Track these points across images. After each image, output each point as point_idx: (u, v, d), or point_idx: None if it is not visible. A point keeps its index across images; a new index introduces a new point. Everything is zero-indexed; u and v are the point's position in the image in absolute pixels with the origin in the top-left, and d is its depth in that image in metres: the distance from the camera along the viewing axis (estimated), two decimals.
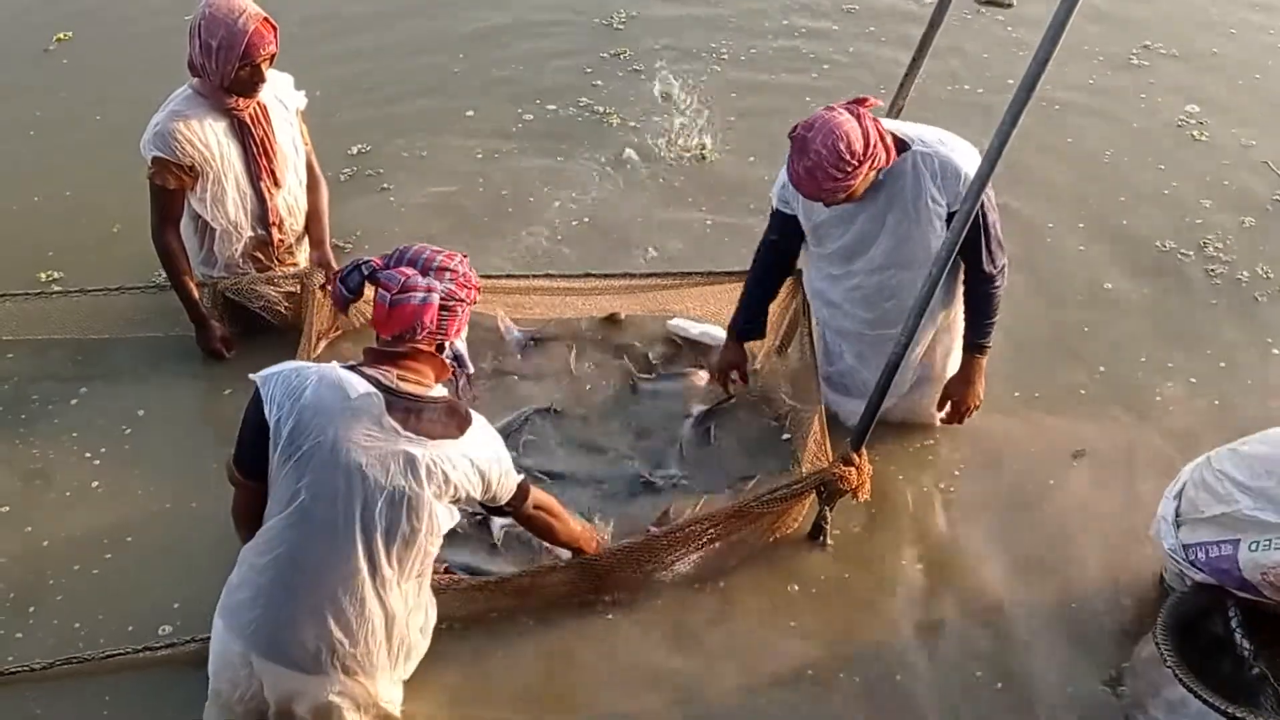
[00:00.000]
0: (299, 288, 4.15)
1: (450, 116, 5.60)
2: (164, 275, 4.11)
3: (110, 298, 4.28)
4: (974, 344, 3.64)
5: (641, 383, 4.09)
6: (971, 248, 3.38)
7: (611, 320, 4.33)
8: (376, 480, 2.61)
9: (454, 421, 2.71)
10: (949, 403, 3.75)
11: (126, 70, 5.72)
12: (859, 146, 3.17)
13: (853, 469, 3.39)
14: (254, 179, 4.00)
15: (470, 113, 5.63)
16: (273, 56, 3.80)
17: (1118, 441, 3.96)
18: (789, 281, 3.93)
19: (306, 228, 4.28)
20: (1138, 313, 4.51)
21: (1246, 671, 3.06)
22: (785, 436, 3.92)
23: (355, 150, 5.30)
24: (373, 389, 2.64)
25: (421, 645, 2.92)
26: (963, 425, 3.83)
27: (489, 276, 4.06)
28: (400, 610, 2.76)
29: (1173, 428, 4.01)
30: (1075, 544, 3.64)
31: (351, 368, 2.71)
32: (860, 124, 3.20)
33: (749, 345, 3.96)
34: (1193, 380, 4.20)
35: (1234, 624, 3.11)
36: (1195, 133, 5.50)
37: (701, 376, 4.07)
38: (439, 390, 2.77)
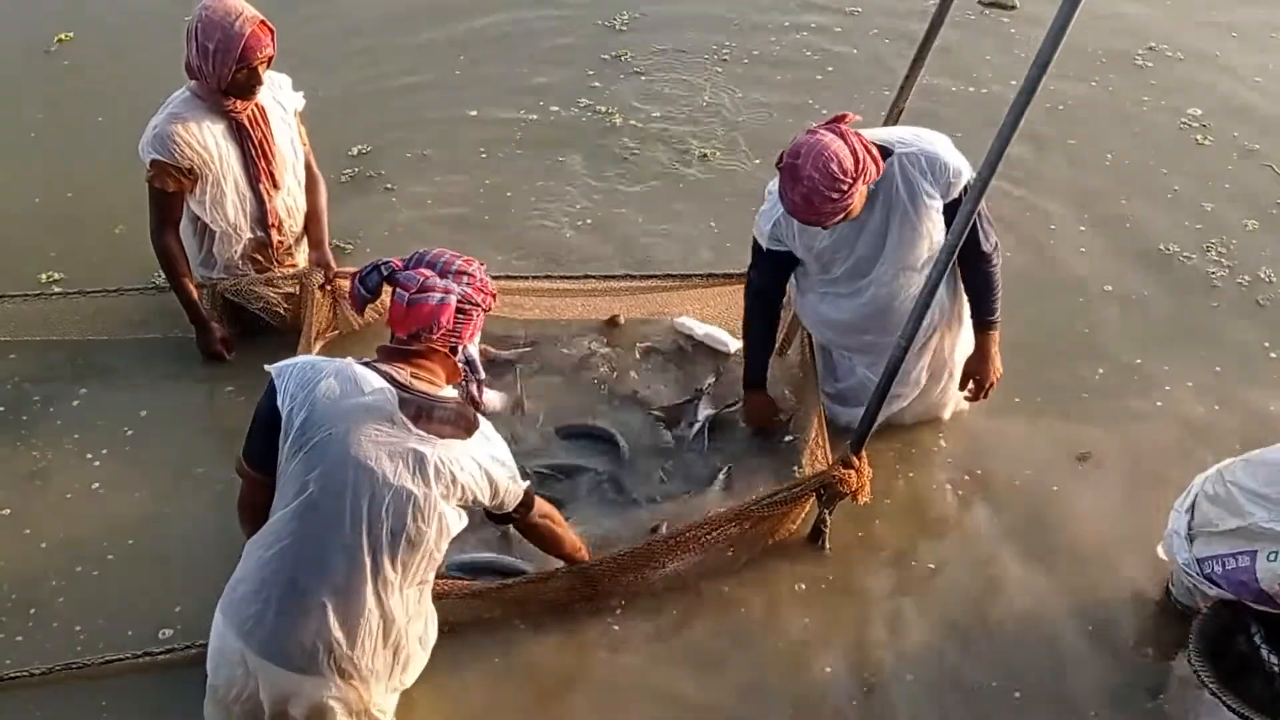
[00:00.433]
0: (298, 289, 4.14)
1: (453, 117, 5.60)
2: (164, 277, 4.12)
3: (110, 299, 4.29)
4: (985, 322, 3.67)
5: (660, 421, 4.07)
6: (969, 232, 3.37)
7: (612, 323, 4.33)
8: (385, 476, 2.61)
9: (462, 423, 2.72)
10: (970, 380, 3.78)
11: (128, 71, 5.72)
12: (850, 164, 3.18)
13: (852, 471, 3.39)
14: (253, 181, 3.99)
15: (473, 113, 5.63)
16: (270, 59, 3.80)
17: (1119, 445, 3.95)
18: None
19: (305, 229, 4.28)
20: (1138, 315, 4.50)
21: (1276, 687, 3.05)
22: (789, 438, 3.92)
23: (355, 151, 5.29)
24: (386, 385, 2.66)
25: (420, 657, 2.91)
26: (985, 400, 3.85)
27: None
28: (400, 616, 2.75)
29: (1173, 431, 4.01)
30: (1081, 548, 3.64)
31: (366, 364, 2.72)
32: (846, 141, 3.21)
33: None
34: (1190, 384, 4.19)
35: (1258, 640, 3.10)
36: (1199, 136, 5.49)
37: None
38: (449, 391, 2.79)
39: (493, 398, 3.92)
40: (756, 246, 3.66)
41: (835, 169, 3.16)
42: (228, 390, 4.12)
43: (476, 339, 2.84)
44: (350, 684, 2.73)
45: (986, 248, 3.50)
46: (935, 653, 3.37)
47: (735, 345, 4.21)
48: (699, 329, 4.26)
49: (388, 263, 2.77)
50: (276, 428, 2.65)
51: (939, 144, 3.42)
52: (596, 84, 5.84)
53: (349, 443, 2.61)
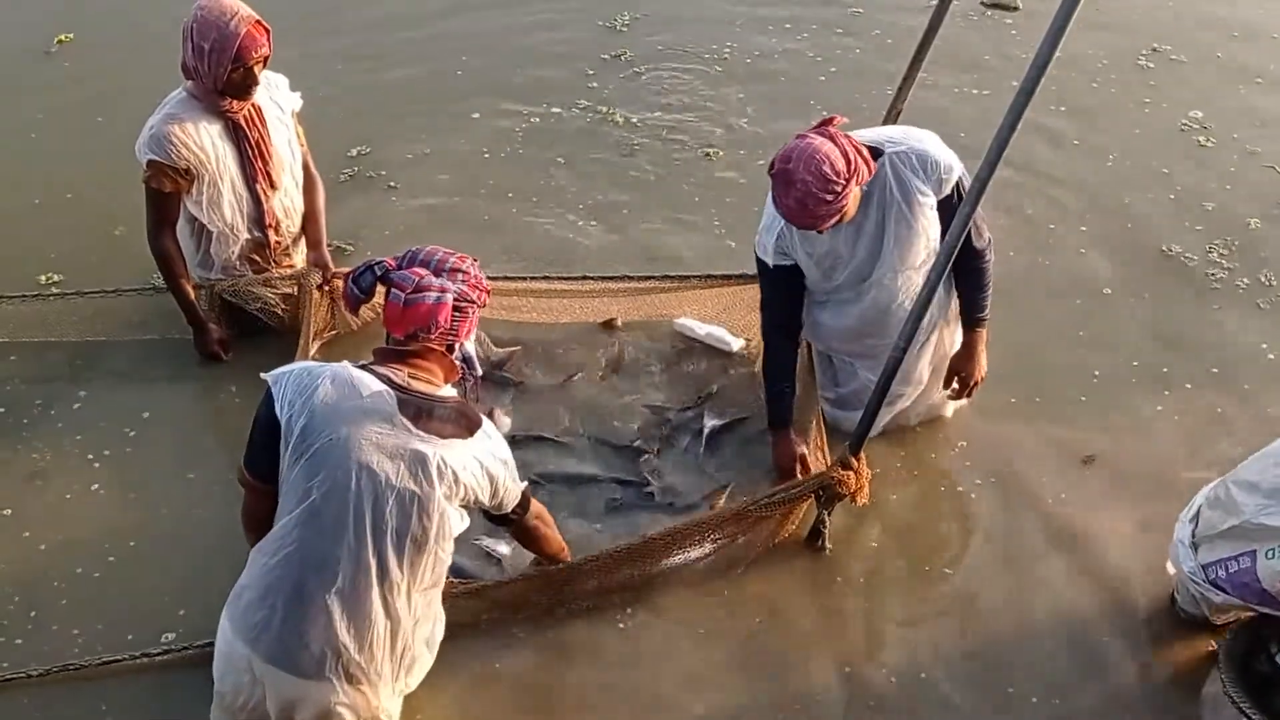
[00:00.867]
0: (296, 289, 4.13)
1: (454, 118, 5.59)
2: (161, 278, 4.11)
3: (109, 300, 4.28)
4: (974, 319, 3.66)
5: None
6: None
7: (609, 325, 4.32)
8: (387, 478, 2.61)
9: (463, 422, 2.72)
10: (955, 378, 3.77)
11: (128, 72, 5.71)
12: (842, 165, 3.18)
13: (851, 473, 3.38)
14: (249, 181, 3.99)
15: (475, 115, 5.62)
16: (266, 59, 3.79)
17: (1119, 447, 3.94)
18: None
19: (303, 229, 4.27)
20: (1139, 317, 4.49)
21: None
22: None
23: (355, 153, 5.28)
24: (384, 387, 2.66)
25: (426, 658, 2.90)
26: (972, 399, 3.85)
27: (488, 278, 4.06)
28: (406, 619, 2.74)
29: (1173, 434, 3.99)
30: (1083, 550, 3.63)
31: (363, 367, 2.72)
32: (836, 143, 3.21)
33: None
34: (1189, 385, 4.18)
35: (1279, 659, 3.08)
36: (1201, 137, 5.47)
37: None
38: (448, 390, 2.79)
39: (503, 420, 3.92)
40: (763, 268, 3.63)
41: (828, 170, 3.16)
42: (228, 391, 4.11)
43: (473, 336, 2.84)
44: (358, 689, 2.72)
45: (979, 245, 3.50)
46: (938, 654, 3.36)
47: (737, 344, 4.21)
48: (700, 329, 4.25)
49: (381, 262, 2.77)
50: (276, 435, 2.64)
51: (928, 141, 3.43)
52: (598, 84, 5.84)
53: (350, 447, 2.60)
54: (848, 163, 3.20)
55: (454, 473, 2.66)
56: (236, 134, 3.90)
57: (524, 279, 4.24)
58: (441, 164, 5.28)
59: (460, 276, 2.77)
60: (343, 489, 2.60)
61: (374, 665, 2.72)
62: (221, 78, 3.73)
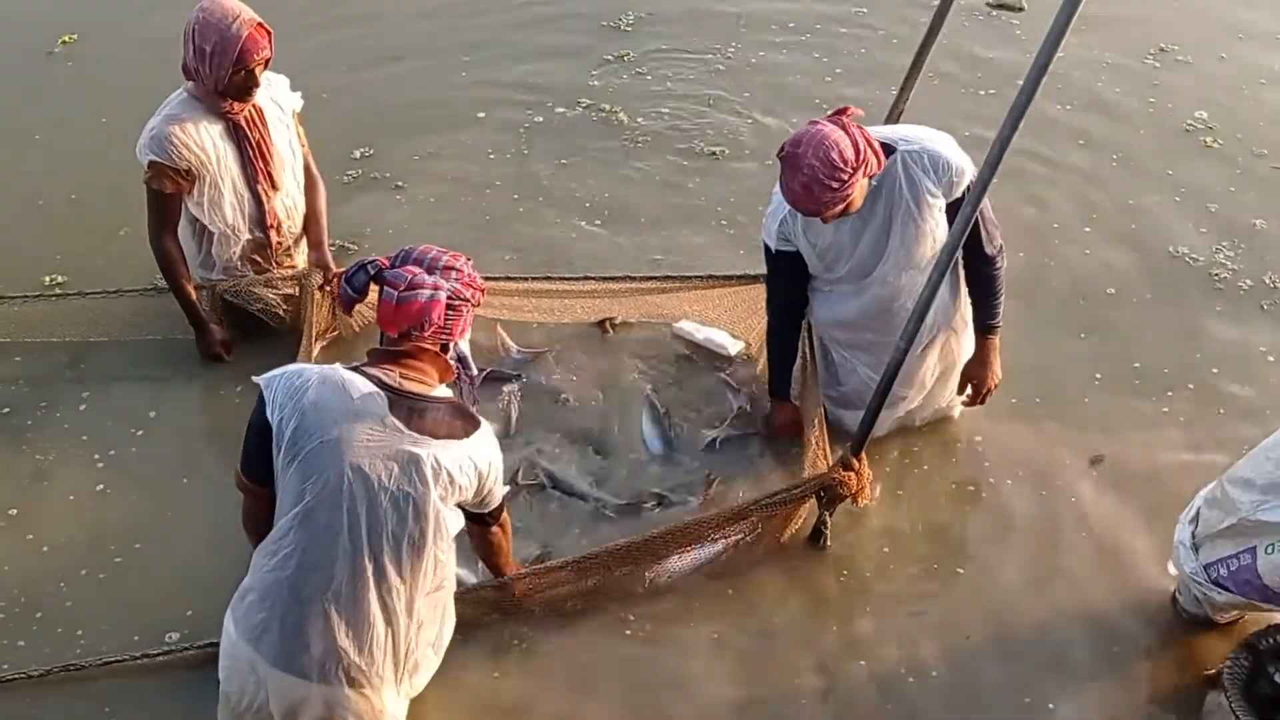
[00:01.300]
0: (297, 289, 4.14)
1: (459, 118, 5.59)
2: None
3: (111, 300, 4.28)
4: (987, 326, 3.66)
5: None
6: (972, 234, 3.39)
7: (605, 326, 4.31)
8: (380, 480, 2.60)
9: (459, 422, 2.71)
10: (969, 385, 3.78)
11: (131, 73, 5.70)
12: (850, 154, 3.18)
13: (852, 474, 3.38)
14: (251, 182, 3.99)
15: (481, 114, 5.62)
16: (267, 61, 3.79)
17: (1121, 449, 3.94)
18: None
19: (305, 229, 4.27)
20: (1142, 318, 4.48)
21: None
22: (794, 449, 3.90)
23: (359, 154, 5.28)
24: (375, 389, 2.64)
25: (432, 661, 2.90)
26: (985, 405, 3.84)
27: (489, 278, 4.06)
28: (407, 622, 2.73)
29: (1174, 436, 3.98)
30: (1086, 552, 3.63)
31: (354, 368, 2.71)
32: (847, 133, 3.21)
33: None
34: (1191, 386, 4.17)
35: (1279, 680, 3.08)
36: (1207, 138, 5.46)
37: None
38: (443, 390, 2.77)
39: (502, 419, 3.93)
40: (766, 252, 3.64)
41: (835, 158, 3.15)
42: (231, 392, 4.11)
43: (467, 335, 2.83)
44: (360, 693, 2.72)
45: (990, 250, 3.49)
46: (940, 654, 3.36)
47: (736, 348, 4.21)
48: (699, 333, 4.25)
49: (374, 261, 2.76)
50: (269, 439, 2.64)
51: (942, 142, 3.42)
52: (602, 83, 5.84)
53: (341, 449, 2.59)
54: (857, 153, 3.19)
55: (449, 473, 2.65)
56: (237, 135, 3.90)
57: (526, 279, 4.23)
58: (446, 164, 5.28)
59: (454, 274, 2.75)
60: (335, 492, 2.60)
61: (375, 668, 2.71)
62: (222, 80, 3.72)
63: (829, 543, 3.59)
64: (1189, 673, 3.30)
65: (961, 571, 3.59)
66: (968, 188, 3.37)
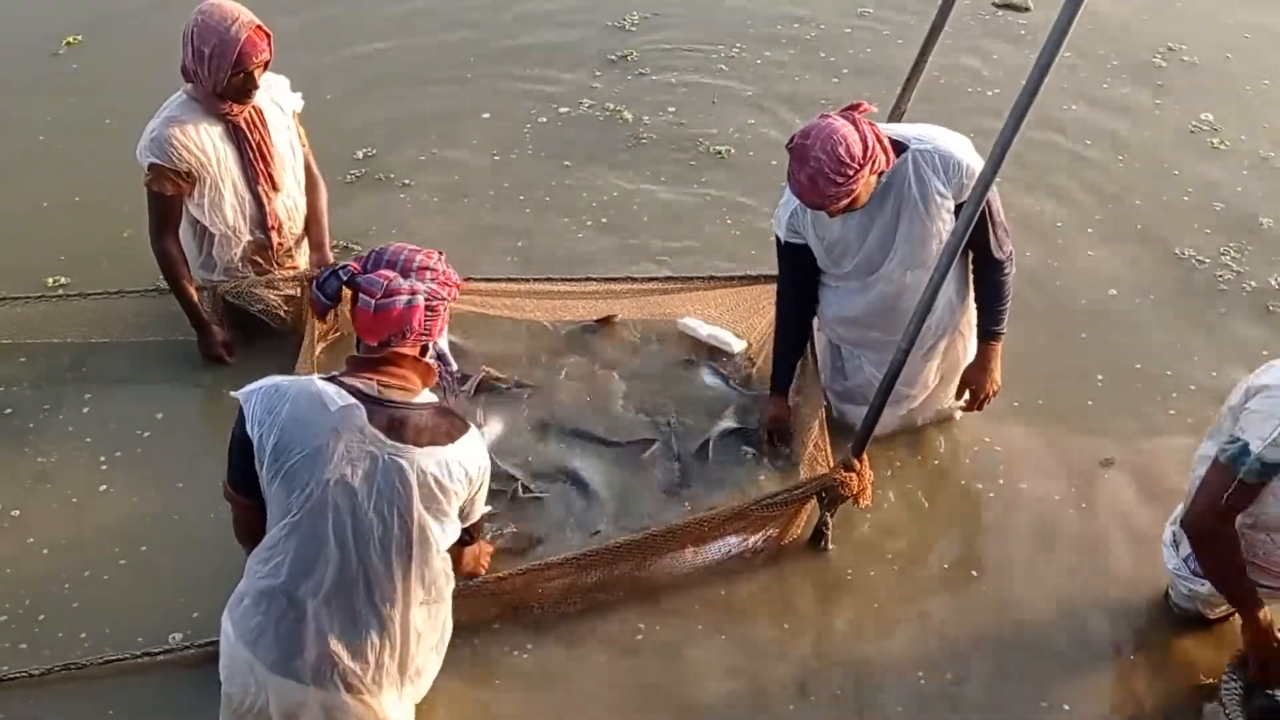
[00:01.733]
0: (299, 290, 4.14)
1: (463, 118, 5.59)
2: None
3: (113, 302, 4.28)
4: (989, 332, 3.64)
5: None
6: (980, 236, 3.39)
7: (605, 322, 4.31)
8: (363, 491, 2.58)
9: (444, 427, 2.66)
10: (967, 390, 3.76)
11: (136, 74, 5.70)
12: (858, 150, 3.16)
13: (853, 475, 3.37)
14: (251, 183, 3.99)
15: (486, 115, 5.62)
16: (266, 63, 3.78)
17: (1122, 450, 3.93)
18: None
19: (306, 230, 4.27)
20: (1146, 319, 4.47)
21: None
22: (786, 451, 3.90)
23: (361, 155, 5.28)
24: (353, 400, 2.60)
25: (434, 664, 2.89)
26: (983, 411, 3.82)
27: (488, 280, 4.07)
28: (404, 630, 2.71)
29: (1179, 436, 3.96)
30: (1087, 553, 3.63)
31: (332, 378, 2.67)
32: (857, 128, 3.19)
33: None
34: (1193, 387, 4.16)
35: (1278, 697, 3.08)
36: (1213, 140, 5.45)
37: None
38: (426, 395, 2.73)
39: (494, 426, 3.92)
40: (776, 243, 3.65)
41: (843, 152, 3.14)
42: (231, 394, 4.10)
43: (445, 331, 2.78)
44: (359, 698, 2.70)
45: (999, 255, 3.47)
46: (942, 654, 3.36)
47: (739, 345, 4.20)
48: (703, 330, 4.24)
49: (345, 266, 2.70)
50: (252, 453, 2.62)
51: (956, 143, 3.40)
52: (607, 84, 5.84)
53: (322, 463, 2.56)
54: (865, 148, 3.18)
55: (434, 478, 2.61)
56: (237, 136, 3.90)
57: (529, 280, 4.22)
58: (449, 164, 5.28)
59: (429, 275, 2.69)
60: (320, 504, 2.58)
61: (370, 674, 2.69)
62: (221, 82, 3.72)
63: (830, 544, 3.58)
64: (1190, 675, 3.29)
65: (968, 573, 3.59)
66: None
